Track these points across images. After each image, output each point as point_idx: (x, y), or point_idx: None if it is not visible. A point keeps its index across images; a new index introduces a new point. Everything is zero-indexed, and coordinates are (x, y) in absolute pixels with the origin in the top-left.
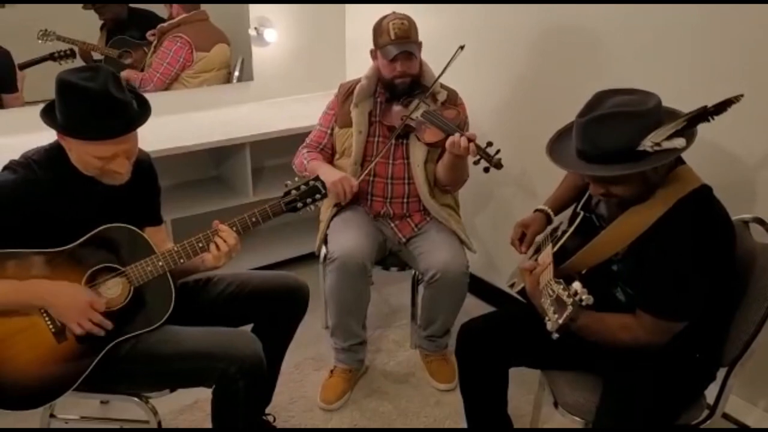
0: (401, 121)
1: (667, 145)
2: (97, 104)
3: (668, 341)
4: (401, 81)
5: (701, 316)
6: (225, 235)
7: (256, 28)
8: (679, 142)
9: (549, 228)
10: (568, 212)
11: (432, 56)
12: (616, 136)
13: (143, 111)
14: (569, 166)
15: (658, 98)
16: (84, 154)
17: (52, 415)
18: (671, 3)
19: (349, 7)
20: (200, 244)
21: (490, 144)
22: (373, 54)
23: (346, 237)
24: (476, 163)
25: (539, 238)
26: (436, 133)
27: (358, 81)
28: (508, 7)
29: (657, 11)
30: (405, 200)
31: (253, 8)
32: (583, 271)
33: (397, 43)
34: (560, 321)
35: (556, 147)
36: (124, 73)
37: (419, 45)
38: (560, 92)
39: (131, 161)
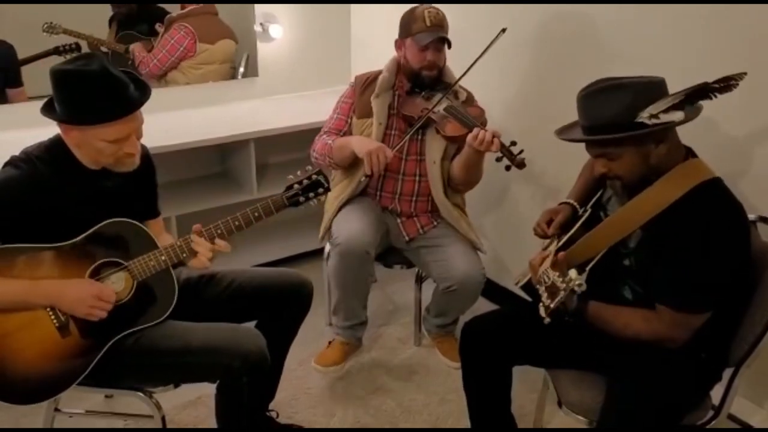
0: (422, 113)
1: (664, 117)
2: (105, 85)
3: (688, 337)
4: (428, 73)
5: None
6: (198, 247)
7: (261, 24)
8: (677, 115)
9: None
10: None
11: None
12: (614, 104)
13: (143, 84)
14: (571, 136)
15: (662, 79)
16: (97, 142)
17: (56, 409)
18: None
19: (355, 6)
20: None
21: (513, 143)
22: (399, 44)
23: (350, 224)
24: (499, 159)
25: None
26: (459, 127)
27: (377, 72)
28: (521, 6)
29: (669, 6)
30: (414, 198)
31: (259, 4)
32: (588, 267)
33: (432, 30)
34: (552, 305)
35: (563, 131)
36: (132, 46)
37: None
38: (571, 92)
39: (140, 141)
